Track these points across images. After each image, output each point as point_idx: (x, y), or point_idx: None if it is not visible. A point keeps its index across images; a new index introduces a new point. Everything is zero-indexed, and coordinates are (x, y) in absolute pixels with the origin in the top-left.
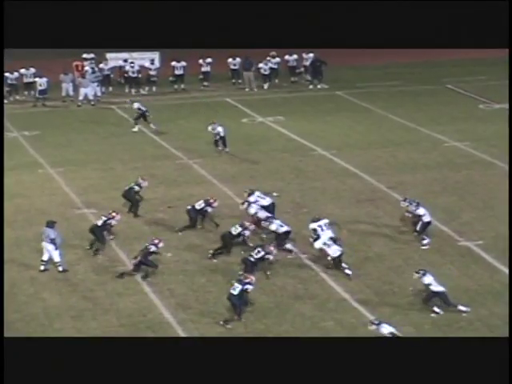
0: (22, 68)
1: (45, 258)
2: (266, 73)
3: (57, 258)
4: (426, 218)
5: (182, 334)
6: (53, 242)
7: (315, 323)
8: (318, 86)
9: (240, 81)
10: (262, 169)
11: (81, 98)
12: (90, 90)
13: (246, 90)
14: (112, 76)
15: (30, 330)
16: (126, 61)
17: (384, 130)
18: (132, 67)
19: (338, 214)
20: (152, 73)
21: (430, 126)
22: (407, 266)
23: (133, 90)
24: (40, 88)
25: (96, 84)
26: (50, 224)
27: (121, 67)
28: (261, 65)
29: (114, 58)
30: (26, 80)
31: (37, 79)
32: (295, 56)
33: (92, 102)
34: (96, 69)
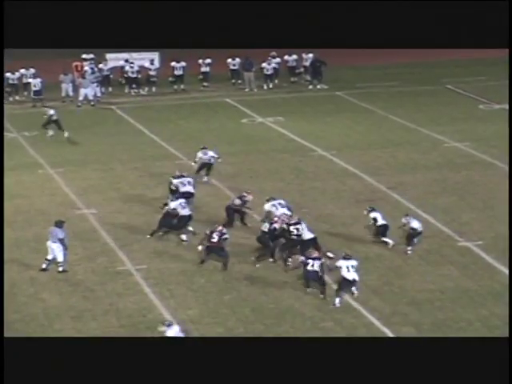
0: (22, 68)
1: (49, 257)
2: (269, 73)
3: (61, 257)
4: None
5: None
6: (61, 241)
7: (315, 323)
8: (318, 87)
9: (240, 81)
10: (262, 169)
11: (81, 98)
12: (89, 90)
13: (246, 90)
14: (112, 76)
15: (30, 331)
16: (125, 61)
17: (384, 130)
18: (132, 67)
19: (338, 215)
20: (152, 73)
21: (429, 126)
22: (407, 266)
23: (132, 91)
24: (34, 89)
25: (96, 84)
26: (59, 224)
27: (121, 67)
28: (264, 64)
29: (114, 59)
30: (25, 80)
31: (30, 80)
32: (295, 56)
33: (92, 103)
34: (95, 69)
